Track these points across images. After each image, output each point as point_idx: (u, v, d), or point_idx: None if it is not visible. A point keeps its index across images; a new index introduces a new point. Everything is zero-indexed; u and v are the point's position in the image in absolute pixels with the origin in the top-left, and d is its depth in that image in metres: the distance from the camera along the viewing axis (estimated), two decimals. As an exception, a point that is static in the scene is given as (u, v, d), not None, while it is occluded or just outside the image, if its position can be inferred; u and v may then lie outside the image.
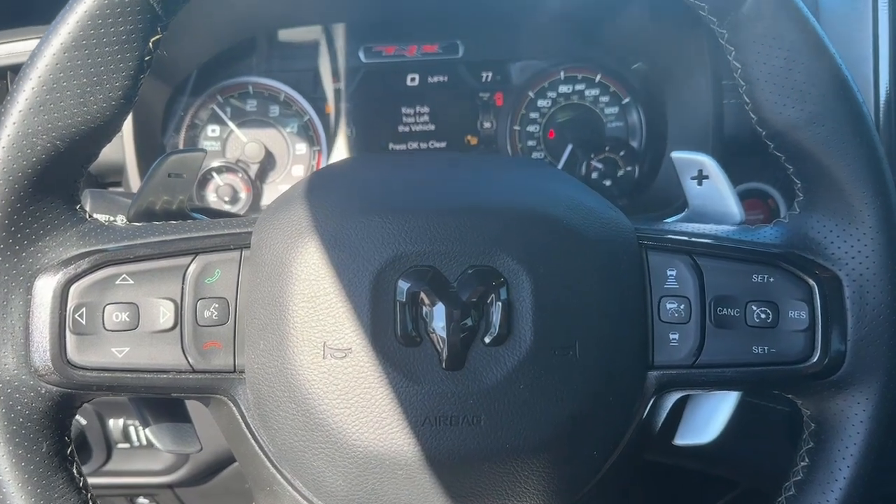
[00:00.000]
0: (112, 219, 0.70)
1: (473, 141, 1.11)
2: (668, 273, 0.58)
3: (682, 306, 0.58)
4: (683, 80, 1.01)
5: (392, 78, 1.09)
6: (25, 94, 0.51)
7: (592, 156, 1.08)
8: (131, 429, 0.98)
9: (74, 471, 0.56)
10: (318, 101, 1.09)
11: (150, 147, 1.00)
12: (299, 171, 1.08)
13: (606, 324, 0.55)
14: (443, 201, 0.57)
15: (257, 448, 0.57)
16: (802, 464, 0.59)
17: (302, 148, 1.08)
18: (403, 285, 0.53)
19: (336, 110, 1.09)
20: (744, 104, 0.59)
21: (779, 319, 0.57)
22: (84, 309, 0.54)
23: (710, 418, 0.65)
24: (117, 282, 0.55)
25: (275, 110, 1.08)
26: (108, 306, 0.55)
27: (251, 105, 1.07)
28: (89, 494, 0.57)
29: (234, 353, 0.56)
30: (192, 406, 0.65)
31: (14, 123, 0.51)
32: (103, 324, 0.55)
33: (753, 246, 0.59)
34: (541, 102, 1.10)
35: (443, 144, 1.11)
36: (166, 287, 0.56)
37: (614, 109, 1.10)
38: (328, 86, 1.08)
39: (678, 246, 0.59)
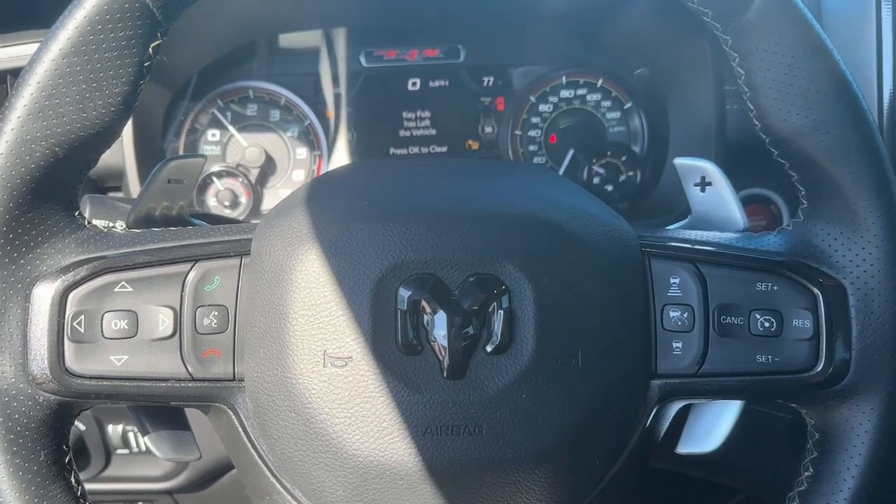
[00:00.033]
0: (111, 224, 0.70)
1: (475, 145, 1.10)
2: (672, 281, 0.58)
3: (685, 314, 0.57)
4: (685, 85, 1.00)
5: (393, 82, 1.09)
6: (24, 100, 0.51)
7: (594, 161, 1.08)
8: (130, 435, 0.98)
9: (72, 479, 0.56)
10: (318, 105, 1.08)
11: (150, 152, 1.00)
12: (300, 176, 1.08)
13: (609, 332, 0.55)
14: (444, 208, 0.57)
15: (257, 457, 0.57)
16: (806, 474, 0.59)
17: (303, 152, 1.08)
18: (404, 293, 0.53)
19: (337, 115, 1.08)
20: (747, 110, 0.59)
21: (783, 328, 0.57)
22: (83, 317, 0.54)
23: (712, 427, 0.65)
24: (116, 289, 0.55)
25: (275, 115, 1.08)
26: (106, 314, 0.54)
27: (252, 109, 1.07)
28: (87, 503, 0.56)
29: (234, 361, 0.56)
30: (192, 413, 0.64)
31: (13, 130, 0.51)
32: (102, 331, 0.54)
33: (757, 254, 0.59)
34: (542, 107, 1.10)
35: (444, 149, 1.10)
36: (165, 294, 0.55)
37: (616, 114, 1.10)
38: (329, 90, 1.08)
39: (681, 253, 0.59)
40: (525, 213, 0.56)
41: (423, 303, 0.53)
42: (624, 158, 1.08)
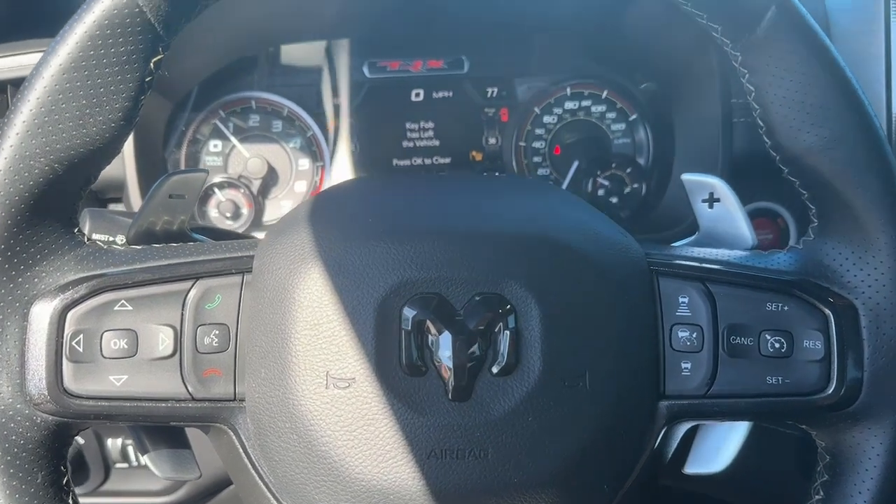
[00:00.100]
0: (111, 239, 0.70)
1: (478, 157, 1.10)
2: (681, 300, 0.57)
3: (694, 334, 0.56)
4: (692, 98, 1.00)
5: (396, 93, 1.08)
6: (23, 116, 0.50)
7: (599, 172, 1.07)
8: (129, 449, 0.96)
9: (70, 501, 0.55)
10: (321, 116, 1.07)
11: (151, 163, 0.99)
12: (302, 187, 1.07)
13: (617, 353, 0.54)
14: (449, 226, 0.56)
15: (258, 479, 0.56)
16: (817, 497, 0.58)
17: (305, 163, 1.07)
18: (409, 313, 0.52)
19: (340, 126, 1.08)
20: (757, 127, 0.58)
21: (793, 349, 0.56)
22: (81, 336, 0.53)
23: (720, 447, 0.64)
24: (116, 308, 0.54)
25: (278, 125, 1.07)
26: (105, 333, 0.53)
27: (254, 120, 1.06)
28: None
29: (235, 381, 0.55)
30: (192, 430, 0.64)
31: (11, 146, 0.50)
32: (101, 351, 0.53)
33: (767, 273, 0.58)
34: (546, 118, 1.09)
35: (447, 160, 1.09)
36: (166, 313, 0.54)
37: (621, 126, 1.09)
38: (332, 101, 1.07)
39: (690, 272, 0.58)
40: (531, 231, 0.55)
41: (428, 323, 0.52)
42: (629, 170, 1.07)
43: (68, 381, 0.53)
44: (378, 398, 0.51)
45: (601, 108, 1.09)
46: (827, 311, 0.56)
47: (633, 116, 1.08)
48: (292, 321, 0.53)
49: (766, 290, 0.57)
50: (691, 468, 0.64)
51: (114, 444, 0.96)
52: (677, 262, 0.59)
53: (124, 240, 0.68)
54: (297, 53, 1.07)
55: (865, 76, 0.87)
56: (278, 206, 1.07)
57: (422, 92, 1.08)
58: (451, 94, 1.08)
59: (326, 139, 1.07)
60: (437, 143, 1.09)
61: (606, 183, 1.07)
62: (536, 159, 1.09)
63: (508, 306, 0.52)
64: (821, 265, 0.58)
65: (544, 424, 0.52)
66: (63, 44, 0.50)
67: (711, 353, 0.56)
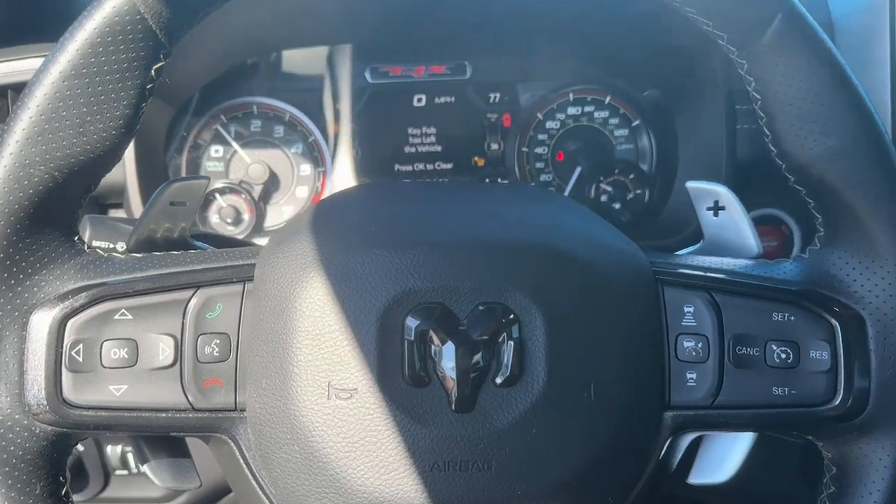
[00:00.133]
0: (112, 245, 0.69)
1: (480, 162, 1.09)
2: (686, 310, 0.56)
3: (699, 344, 0.56)
4: (695, 104, 0.99)
5: (398, 98, 1.07)
6: (23, 123, 0.49)
7: (601, 178, 1.07)
8: (129, 456, 0.96)
9: None
10: (323, 121, 1.07)
11: (152, 168, 0.98)
12: (303, 193, 1.07)
13: (622, 363, 0.53)
14: (452, 235, 0.55)
15: (258, 490, 0.55)
16: (823, 508, 0.57)
17: (307, 169, 1.07)
18: (411, 323, 0.51)
19: (341, 131, 1.07)
20: (763, 135, 0.57)
21: (800, 360, 0.55)
22: (81, 345, 0.52)
23: (725, 457, 0.64)
24: (116, 317, 0.53)
25: (279, 131, 1.06)
26: (105, 342, 0.53)
27: (255, 125, 1.06)
28: None
29: (236, 391, 0.54)
30: (192, 439, 0.63)
31: (11, 154, 0.49)
32: (101, 361, 0.53)
33: (773, 282, 0.57)
34: (549, 124, 1.09)
35: (449, 165, 1.09)
36: (166, 322, 0.54)
37: (624, 132, 1.08)
38: (334, 106, 1.07)
39: (696, 281, 0.57)
40: (535, 240, 0.55)
41: (431, 333, 0.51)
42: (632, 176, 1.06)
43: (67, 391, 0.52)
44: (380, 409, 0.50)
45: (604, 113, 1.08)
46: (834, 322, 0.55)
47: (636, 122, 1.08)
48: (294, 331, 0.52)
49: (773, 300, 0.56)
50: (696, 478, 0.63)
51: (113, 451, 0.96)
52: (682, 270, 0.58)
53: (125, 247, 0.68)
54: (298, 58, 1.06)
55: (870, 81, 0.86)
56: (280, 212, 1.06)
57: (424, 97, 1.08)
58: (453, 99, 1.08)
59: (328, 144, 1.07)
60: (439, 148, 1.08)
61: (609, 189, 1.07)
62: (539, 165, 1.09)
63: (512, 316, 0.52)
64: (827, 275, 0.57)
65: (548, 436, 0.51)
66: (63, 51, 0.49)
67: (717, 363, 0.55)
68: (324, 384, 0.51)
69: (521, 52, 1.07)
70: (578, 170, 1.07)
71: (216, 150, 1.05)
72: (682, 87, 1.01)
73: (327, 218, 0.58)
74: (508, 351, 0.51)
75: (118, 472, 0.98)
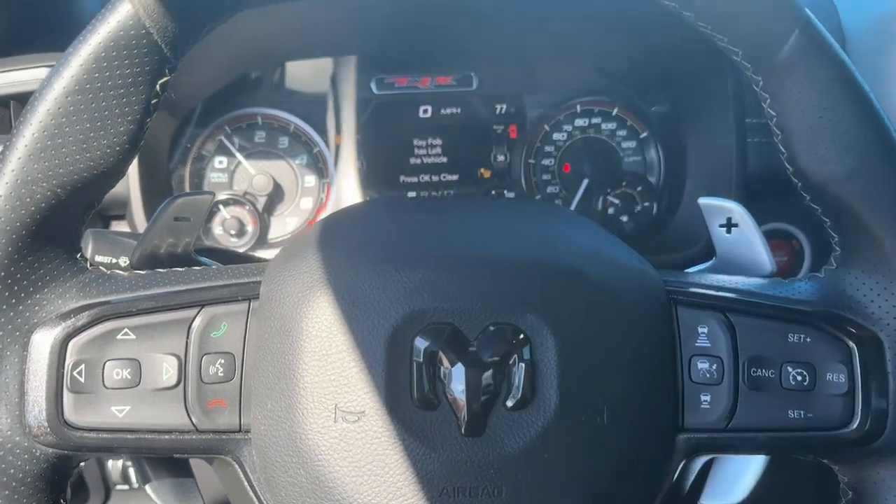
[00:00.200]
0: (114, 260, 0.68)
1: (487, 174, 1.08)
2: (700, 330, 0.55)
3: (714, 366, 0.55)
4: (705, 117, 0.98)
5: (404, 109, 1.07)
6: (25, 139, 0.49)
7: (609, 191, 1.06)
8: (130, 471, 0.95)
9: None
10: (328, 132, 1.06)
11: (156, 180, 0.97)
12: (308, 204, 1.06)
13: (636, 386, 0.52)
14: (462, 253, 0.54)
15: None
16: (840, 534, 0.56)
17: (311, 180, 1.06)
18: (420, 344, 0.50)
19: (346, 142, 1.06)
20: (776, 151, 0.56)
21: (816, 382, 0.54)
22: (83, 366, 0.51)
23: (738, 479, 0.62)
24: (118, 336, 0.52)
25: (284, 142, 1.05)
26: (108, 362, 0.52)
27: (260, 136, 1.05)
28: None
29: (240, 412, 0.53)
30: (195, 458, 0.62)
31: (12, 171, 0.49)
32: (103, 381, 0.52)
33: (789, 303, 0.56)
34: (556, 135, 1.08)
35: (455, 177, 1.08)
36: (170, 342, 0.53)
37: (631, 144, 1.07)
38: (339, 117, 1.06)
39: (710, 301, 0.56)
40: (547, 259, 0.54)
41: (441, 354, 0.50)
42: (639, 189, 1.05)
43: (69, 413, 0.51)
44: (388, 433, 0.49)
45: (611, 125, 1.07)
46: (850, 344, 0.54)
47: (644, 134, 1.07)
48: (300, 351, 0.51)
49: (788, 321, 0.55)
50: (708, 500, 0.62)
51: (114, 465, 0.95)
52: (696, 290, 0.57)
53: (127, 261, 0.67)
54: (303, 69, 1.05)
55: (882, 93, 0.85)
56: (284, 223, 1.05)
57: (430, 108, 1.07)
58: (459, 110, 1.07)
59: (333, 156, 1.06)
60: (444, 159, 1.07)
61: (617, 201, 1.06)
62: (546, 177, 1.08)
63: (523, 337, 0.51)
64: (844, 295, 0.56)
65: (561, 461, 0.50)
66: (67, 66, 0.48)
67: (732, 385, 0.54)
68: (330, 406, 0.50)
69: (528, 64, 1.06)
70: (585, 182, 1.06)
71: (220, 162, 1.04)
72: (691, 100, 1.00)
73: (334, 235, 0.57)
74: (519, 373, 0.50)
75: (119, 486, 0.97)
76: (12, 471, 0.50)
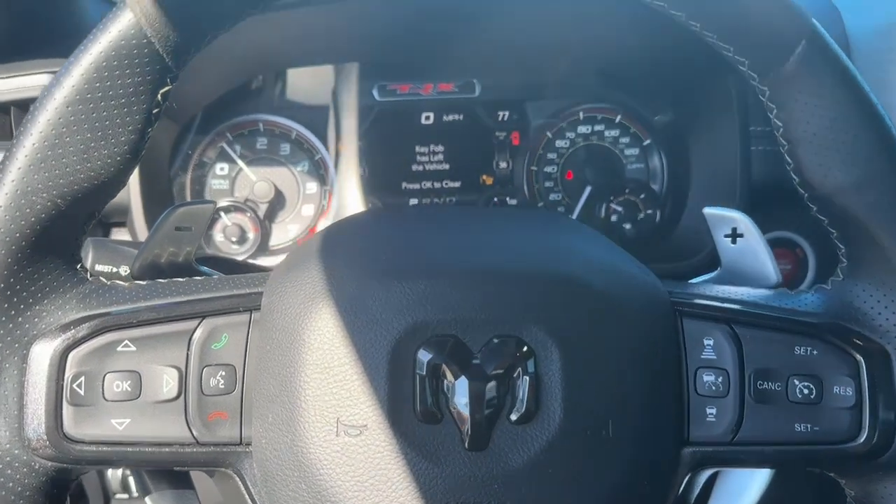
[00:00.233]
0: (115, 269, 0.68)
1: (489, 181, 1.08)
2: (706, 342, 0.55)
3: (720, 379, 0.54)
4: (708, 125, 0.98)
5: (406, 116, 1.06)
6: (25, 150, 0.48)
7: (612, 198, 1.05)
8: (130, 480, 0.94)
9: None
10: (329, 139, 1.05)
11: (157, 187, 0.97)
12: (309, 211, 1.05)
13: (641, 399, 0.52)
14: (466, 264, 0.54)
15: None
16: (846, 549, 0.56)
17: (313, 187, 1.05)
18: (423, 357, 0.50)
19: (348, 149, 1.06)
20: (781, 161, 0.56)
21: (823, 395, 0.54)
22: (83, 378, 0.51)
23: (743, 491, 0.62)
24: (119, 348, 0.52)
25: (285, 148, 1.05)
26: (108, 375, 0.51)
27: (261, 143, 1.04)
28: None
29: (241, 425, 0.52)
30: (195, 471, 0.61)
31: (13, 181, 0.48)
32: (103, 394, 0.51)
33: (795, 315, 0.55)
34: (559, 142, 1.07)
35: (457, 184, 1.08)
36: (170, 354, 0.52)
37: (634, 151, 1.07)
38: (340, 124, 1.05)
39: (715, 313, 0.55)
40: (552, 270, 0.53)
41: (444, 367, 0.50)
42: (642, 196, 1.05)
43: (68, 426, 0.51)
44: (391, 447, 0.49)
45: (614, 132, 1.07)
46: (858, 357, 0.54)
47: (647, 141, 1.06)
48: (302, 363, 0.50)
49: (795, 333, 0.55)
50: (713, 513, 0.61)
51: (114, 474, 0.94)
52: (701, 301, 0.56)
53: (128, 271, 0.67)
54: (305, 76, 1.05)
55: (887, 102, 0.84)
56: (285, 230, 1.05)
57: (432, 115, 1.06)
58: (461, 117, 1.07)
59: (335, 162, 1.06)
60: (446, 166, 1.07)
61: (619, 209, 1.05)
62: (548, 184, 1.08)
63: (527, 349, 0.50)
64: (851, 307, 0.55)
65: (565, 475, 0.49)
66: (68, 75, 0.48)
67: (738, 398, 0.54)
68: (332, 420, 0.49)
69: (530, 71, 1.06)
70: (588, 189, 1.06)
71: (221, 168, 1.04)
72: (695, 108, 1.00)
73: (336, 245, 0.56)
74: (524, 386, 0.50)
75: (118, 495, 0.96)
76: (11, 484, 0.50)
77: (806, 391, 0.54)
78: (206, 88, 0.98)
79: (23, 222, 0.49)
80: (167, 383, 0.52)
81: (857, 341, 0.54)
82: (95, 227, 0.94)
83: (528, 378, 0.50)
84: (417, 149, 1.07)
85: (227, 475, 0.54)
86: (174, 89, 0.51)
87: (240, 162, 1.03)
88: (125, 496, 0.96)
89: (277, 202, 1.04)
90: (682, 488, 0.55)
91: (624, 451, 0.51)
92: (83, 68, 0.48)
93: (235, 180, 1.04)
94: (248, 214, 1.02)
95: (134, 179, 0.92)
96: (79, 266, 0.54)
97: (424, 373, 0.50)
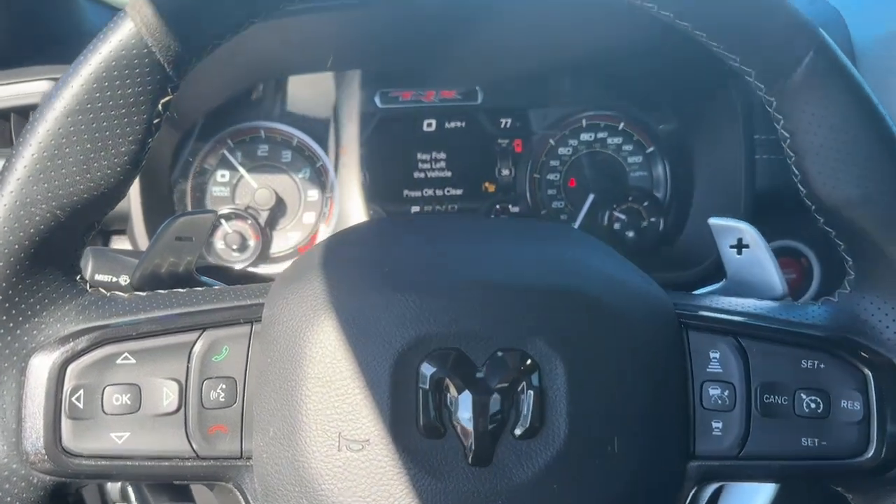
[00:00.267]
0: (114, 279, 0.67)
1: (491, 188, 1.07)
2: (712, 355, 0.54)
3: (726, 392, 0.53)
4: (713, 133, 0.97)
5: (408, 123, 1.06)
6: (24, 160, 0.48)
7: (615, 206, 1.05)
8: (129, 489, 0.93)
9: None
10: (331, 146, 1.05)
11: (157, 194, 0.96)
12: (310, 218, 1.05)
13: (647, 413, 0.51)
14: (469, 276, 0.53)
15: None
16: (853, 565, 0.55)
17: (314, 194, 1.05)
18: (426, 371, 0.49)
19: (350, 156, 1.05)
20: (787, 171, 0.55)
21: (830, 409, 0.53)
22: (82, 391, 0.50)
23: (748, 505, 0.61)
24: (118, 361, 0.51)
25: (287, 155, 1.04)
26: (107, 388, 0.51)
27: (262, 150, 1.04)
28: None
29: (242, 438, 0.52)
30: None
31: (12, 193, 0.48)
32: (102, 407, 0.51)
33: (802, 328, 0.55)
34: (561, 150, 1.07)
35: (459, 191, 1.07)
36: (170, 366, 0.52)
37: (638, 158, 1.06)
38: (342, 131, 1.05)
39: (721, 326, 0.55)
40: (556, 283, 0.53)
41: (447, 381, 0.49)
42: (646, 204, 1.04)
43: (67, 439, 0.50)
44: (393, 462, 0.48)
45: (617, 140, 1.06)
46: (866, 371, 0.53)
47: (651, 149, 1.06)
48: (303, 377, 0.50)
49: (801, 347, 0.54)
50: (718, 527, 0.61)
51: (113, 486, 0.93)
52: (707, 314, 0.56)
53: (128, 280, 0.66)
54: (307, 83, 1.04)
55: (894, 112, 0.84)
56: (286, 238, 1.04)
57: (434, 122, 1.06)
58: (463, 124, 1.06)
59: (336, 170, 1.05)
60: (448, 174, 1.06)
61: (623, 217, 1.04)
62: (551, 192, 1.07)
63: (532, 364, 0.50)
64: (858, 320, 0.55)
65: (570, 492, 0.49)
66: (67, 85, 0.48)
67: (744, 412, 0.53)
68: (334, 434, 0.49)
69: (533, 78, 1.05)
70: (591, 197, 1.05)
71: (222, 175, 1.03)
72: (699, 116, 0.99)
73: (339, 256, 0.56)
74: (528, 400, 0.49)
75: (118, 504, 0.95)
76: (9, 499, 0.49)
77: (813, 405, 0.53)
78: (207, 95, 0.97)
79: (22, 234, 0.48)
80: (167, 396, 0.51)
81: (865, 355, 0.54)
82: (95, 235, 0.93)
83: (532, 392, 0.49)
84: (419, 156, 1.06)
85: (228, 489, 0.54)
86: (175, 97, 0.51)
87: (241, 169, 1.03)
88: (124, 506, 0.95)
89: (278, 209, 1.04)
90: (687, 502, 0.54)
91: (629, 466, 0.50)
92: (83, 78, 0.47)
93: (236, 187, 1.03)
94: (249, 222, 1.02)
95: (134, 187, 0.91)
96: (78, 277, 0.53)
97: (427, 387, 0.49)
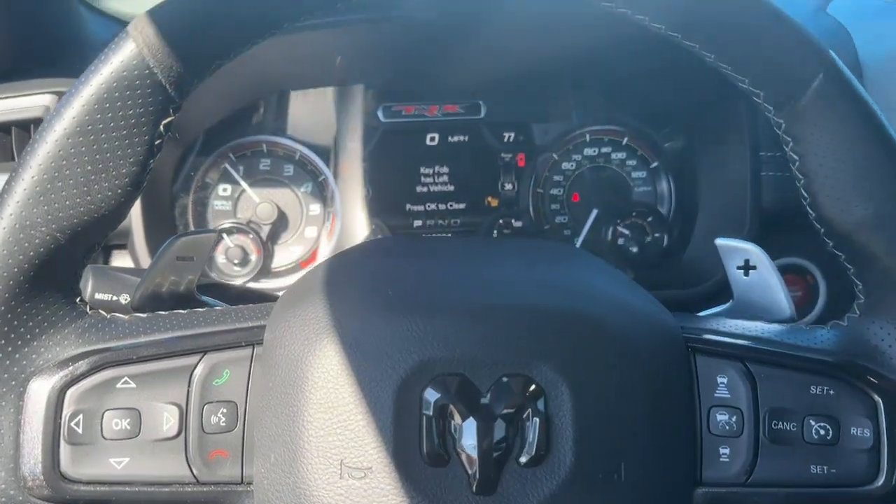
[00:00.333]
0: (115, 298, 0.67)
1: (494, 203, 1.07)
2: (719, 380, 0.53)
3: (733, 418, 0.53)
4: (718, 149, 0.97)
5: (411, 137, 1.05)
6: (24, 183, 0.47)
7: (618, 221, 1.04)
8: None
9: None
10: (333, 160, 1.04)
11: (158, 208, 0.96)
12: (312, 233, 1.04)
13: (654, 440, 0.50)
14: (474, 300, 0.52)
15: None
16: None
17: (316, 209, 1.04)
18: (430, 396, 0.48)
19: (352, 170, 1.05)
20: (795, 189, 0.55)
21: (839, 436, 0.52)
22: (81, 416, 0.50)
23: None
24: (118, 385, 0.51)
25: (289, 169, 1.04)
26: (107, 412, 0.50)
27: (264, 164, 1.03)
28: None
29: (243, 463, 0.51)
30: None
31: (11, 215, 0.47)
32: (101, 432, 0.50)
33: (811, 352, 0.54)
34: (565, 164, 1.06)
35: (462, 206, 1.07)
36: (171, 391, 0.51)
37: (642, 173, 1.06)
38: (345, 145, 1.04)
39: (729, 350, 0.54)
40: (562, 306, 0.52)
41: (451, 407, 0.48)
42: (650, 219, 1.04)
43: (66, 465, 0.49)
44: (396, 490, 0.47)
45: (621, 154, 1.06)
46: (876, 397, 0.52)
47: (655, 164, 1.05)
48: (305, 402, 0.49)
49: (811, 372, 0.53)
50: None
51: (113, 502, 0.92)
52: (715, 337, 0.55)
53: (128, 299, 0.65)
54: (309, 97, 1.04)
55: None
56: (288, 252, 1.04)
57: (437, 136, 1.05)
58: (466, 138, 1.06)
59: (338, 184, 1.04)
60: (451, 188, 1.06)
61: (626, 232, 1.04)
62: (554, 206, 1.06)
63: (538, 389, 0.49)
64: (868, 345, 0.54)
65: None
66: (68, 106, 0.47)
67: (752, 438, 0.52)
68: (336, 462, 0.48)
69: (536, 92, 1.05)
70: (595, 212, 1.05)
71: (224, 189, 1.02)
72: (704, 132, 0.99)
73: (341, 278, 0.55)
74: (533, 427, 0.48)
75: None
76: (5, 526, 0.48)
77: (822, 432, 0.52)
78: (209, 111, 0.97)
79: (21, 257, 0.47)
80: (167, 421, 0.51)
81: (875, 381, 0.53)
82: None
83: (537, 419, 0.48)
84: (422, 170, 1.06)
85: (228, 515, 0.53)
86: (177, 117, 0.50)
87: (242, 183, 1.02)
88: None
89: (280, 224, 1.03)
90: (692, 531, 0.53)
91: (636, 494, 0.49)
92: (84, 99, 0.47)
93: (238, 201, 1.03)
94: (251, 236, 1.01)
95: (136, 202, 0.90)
96: (78, 299, 0.53)
97: (431, 413, 0.48)
